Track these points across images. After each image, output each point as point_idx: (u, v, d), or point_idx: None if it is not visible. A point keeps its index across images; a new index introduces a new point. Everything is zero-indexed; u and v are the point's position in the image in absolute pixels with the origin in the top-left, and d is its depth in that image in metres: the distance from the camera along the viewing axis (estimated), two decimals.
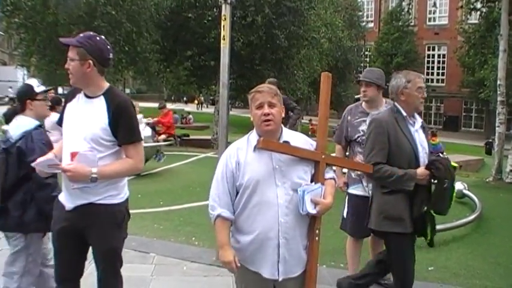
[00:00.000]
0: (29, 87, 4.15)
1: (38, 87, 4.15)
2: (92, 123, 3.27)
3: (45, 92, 4.24)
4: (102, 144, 3.28)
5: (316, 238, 3.15)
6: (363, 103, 5.25)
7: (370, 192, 4.95)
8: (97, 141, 3.26)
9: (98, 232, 3.36)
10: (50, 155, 3.43)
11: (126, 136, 3.34)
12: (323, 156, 3.19)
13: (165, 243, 6.86)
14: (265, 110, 3.02)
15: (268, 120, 3.02)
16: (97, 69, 3.32)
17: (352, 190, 5.20)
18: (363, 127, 5.03)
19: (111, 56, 3.41)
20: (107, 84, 3.41)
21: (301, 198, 2.99)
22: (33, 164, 3.33)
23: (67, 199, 3.36)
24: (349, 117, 5.27)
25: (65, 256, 3.50)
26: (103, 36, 3.43)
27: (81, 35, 3.34)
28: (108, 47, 3.40)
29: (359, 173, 5.04)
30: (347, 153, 5.40)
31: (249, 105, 3.15)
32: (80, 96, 3.42)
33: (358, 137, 5.10)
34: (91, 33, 3.40)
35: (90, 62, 3.27)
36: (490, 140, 28.55)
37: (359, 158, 4.99)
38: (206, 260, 6.08)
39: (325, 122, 3.34)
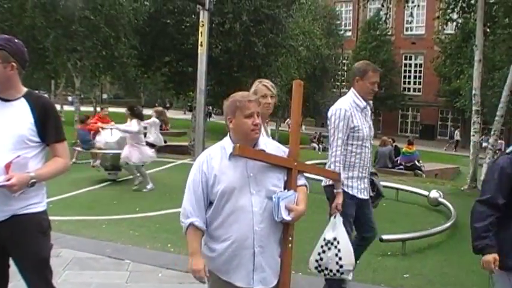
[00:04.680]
0: None
1: None
2: (15, 125, 3.18)
3: None
4: (28, 145, 3.20)
5: (290, 245, 3.15)
6: None
7: None
8: (23, 142, 3.17)
9: (25, 243, 3.24)
10: None
11: (54, 135, 3.30)
12: (295, 164, 3.19)
13: (140, 250, 6.80)
14: (256, 120, 3.02)
15: (257, 129, 3.05)
16: (18, 72, 3.25)
17: None
18: None
19: (27, 58, 3.38)
20: (24, 87, 3.34)
21: (276, 206, 2.99)
22: None
23: None
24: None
25: None
26: (19, 40, 3.36)
27: None
28: (25, 49, 3.35)
29: None
30: None
31: (232, 111, 3.08)
32: None
33: None
34: (7, 36, 3.33)
35: (14, 64, 3.20)
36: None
37: None
38: (182, 267, 6.02)
39: (297, 129, 3.38)
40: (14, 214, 3.19)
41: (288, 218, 3.00)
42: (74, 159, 14.28)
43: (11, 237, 3.20)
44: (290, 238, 3.15)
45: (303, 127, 48.07)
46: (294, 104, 3.33)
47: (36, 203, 3.29)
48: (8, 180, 3.01)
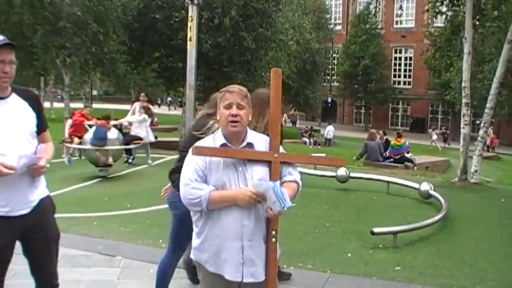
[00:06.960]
0: None
1: None
2: (23, 121, 3.26)
3: None
4: (34, 137, 3.34)
5: (273, 239, 3.11)
6: None
7: None
8: (32, 136, 3.32)
9: (50, 222, 3.49)
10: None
11: (45, 123, 3.47)
12: (275, 155, 3.13)
13: (132, 246, 6.78)
14: (233, 110, 2.97)
15: (235, 121, 2.98)
16: None
17: None
18: None
19: None
20: None
21: (281, 194, 2.90)
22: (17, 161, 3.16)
23: (23, 205, 3.26)
24: None
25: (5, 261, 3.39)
26: None
27: None
28: None
29: None
30: None
31: (218, 103, 3.10)
32: None
33: None
34: None
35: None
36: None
37: None
38: None
39: (278, 119, 3.25)
40: (40, 199, 3.38)
41: (292, 204, 2.96)
42: (63, 155, 14.34)
43: (40, 220, 3.38)
44: (274, 232, 3.10)
45: (298, 122, 48.20)
46: (273, 92, 3.23)
47: (46, 187, 3.51)
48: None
